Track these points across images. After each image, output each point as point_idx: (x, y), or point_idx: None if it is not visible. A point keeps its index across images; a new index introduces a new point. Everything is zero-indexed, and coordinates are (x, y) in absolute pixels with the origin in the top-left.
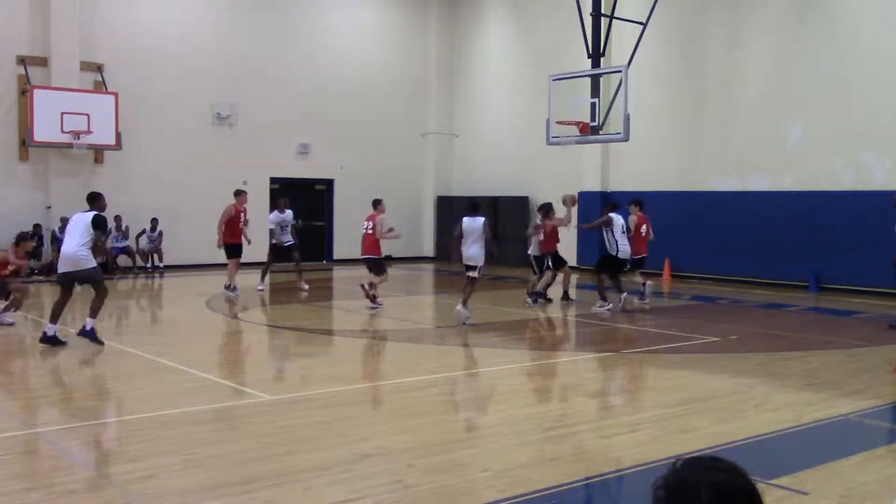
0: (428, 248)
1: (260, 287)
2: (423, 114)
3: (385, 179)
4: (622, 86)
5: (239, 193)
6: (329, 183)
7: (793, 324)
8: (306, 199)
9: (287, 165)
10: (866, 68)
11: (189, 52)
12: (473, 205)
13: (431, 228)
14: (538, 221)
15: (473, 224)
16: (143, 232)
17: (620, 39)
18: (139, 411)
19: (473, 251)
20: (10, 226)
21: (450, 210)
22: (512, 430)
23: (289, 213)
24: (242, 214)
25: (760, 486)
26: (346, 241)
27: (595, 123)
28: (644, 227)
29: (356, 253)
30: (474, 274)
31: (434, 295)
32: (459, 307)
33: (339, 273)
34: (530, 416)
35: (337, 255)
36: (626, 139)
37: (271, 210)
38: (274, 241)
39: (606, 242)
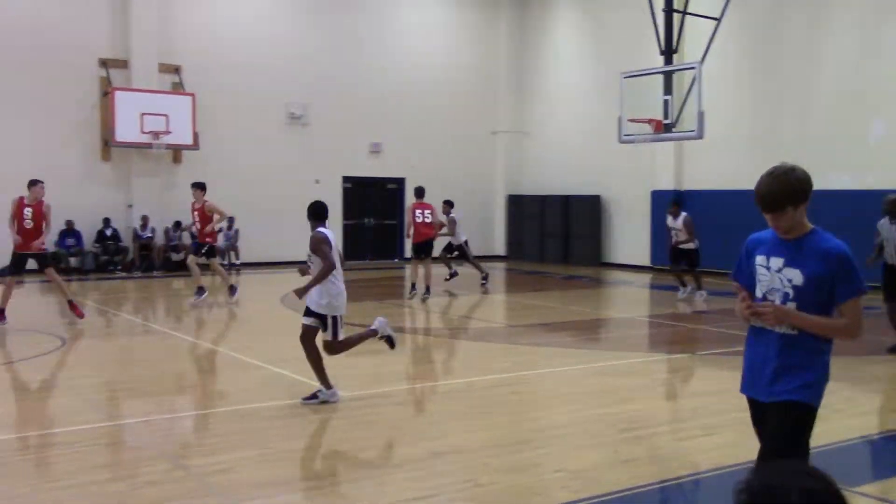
0: (499, 247)
1: (484, 282)
2: (494, 112)
3: (456, 177)
4: (696, 82)
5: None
6: (400, 182)
7: (880, 325)
8: (378, 198)
9: (359, 164)
10: None
11: (263, 52)
12: None
13: (503, 227)
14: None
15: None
16: (220, 230)
17: (694, 35)
18: (218, 405)
19: None
20: (93, 225)
21: (520, 208)
22: (585, 431)
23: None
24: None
25: (846, 494)
26: None
27: (668, 121)
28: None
29: None
30: None
31: (505, 294)
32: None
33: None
34: (604, 417)
35: (409, 253)
36: (700, 137)
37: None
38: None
39: None
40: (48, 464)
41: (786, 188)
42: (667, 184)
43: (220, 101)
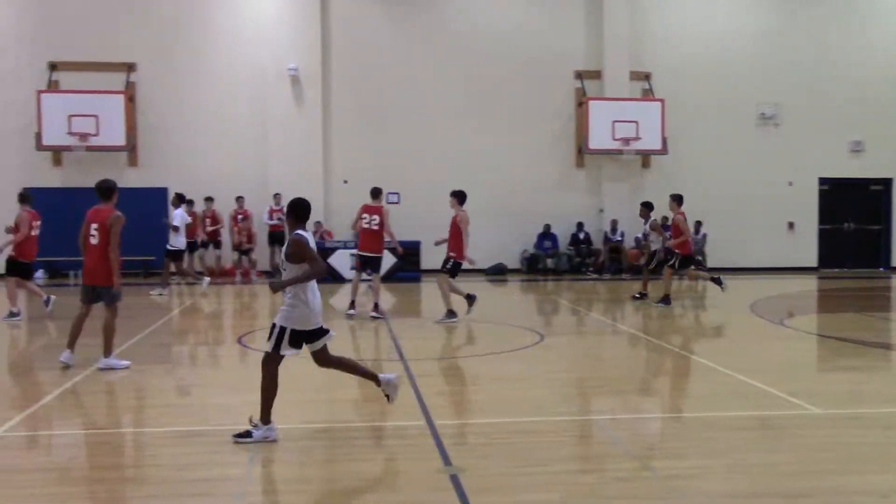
0: None
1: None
2: None
3: None
4: None
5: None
6: (887, 183)
7: None
8: (859, 201)
9: (837, 165)
10: None
11: (731, 54)
12: None
13: None
14: None
15: None
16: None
17: None
18: (685, 409)
19: None
20: (567, 228)
21: None
22: None
23: None
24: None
25: None
26: None
27: None
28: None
29: None
30: None
31: None
32: None
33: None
34: None
35: None
36: None
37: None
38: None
39: None
40: (525, 449)
41: None
42: None
43: (687, 105)
